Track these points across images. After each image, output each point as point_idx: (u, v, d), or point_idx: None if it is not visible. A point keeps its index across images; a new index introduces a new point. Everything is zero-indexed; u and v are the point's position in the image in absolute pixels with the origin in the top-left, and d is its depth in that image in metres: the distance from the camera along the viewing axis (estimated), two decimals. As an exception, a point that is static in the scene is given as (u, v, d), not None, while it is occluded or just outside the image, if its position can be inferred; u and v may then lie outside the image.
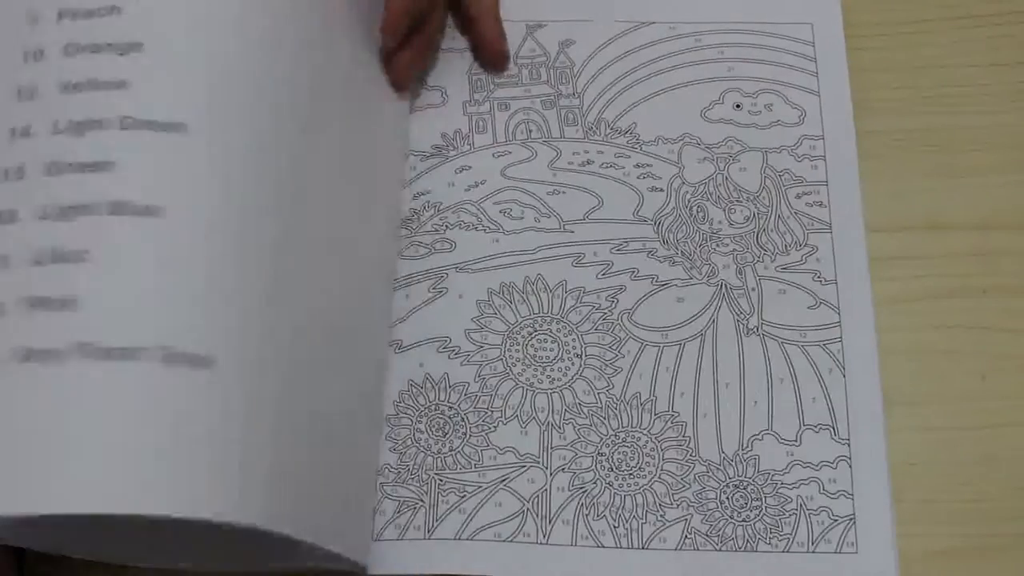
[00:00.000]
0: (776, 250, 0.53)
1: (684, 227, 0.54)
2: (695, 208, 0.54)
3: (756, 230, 0.53)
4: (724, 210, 0.54)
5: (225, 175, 0.44)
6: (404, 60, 0.55)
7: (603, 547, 0.48)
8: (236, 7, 0.46)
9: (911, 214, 0.54)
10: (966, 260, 0.53)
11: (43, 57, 0.45)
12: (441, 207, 0.54)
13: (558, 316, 0.52)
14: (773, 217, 0.54)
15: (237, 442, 0.42)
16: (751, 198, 0.54)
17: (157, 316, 0.41)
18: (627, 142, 0.55)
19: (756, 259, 0.53)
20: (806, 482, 0.49)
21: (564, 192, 0.54)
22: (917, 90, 0.56)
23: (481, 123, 0.56)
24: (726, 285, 0.52)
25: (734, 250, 0.53)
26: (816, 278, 0.52)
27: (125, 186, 0.42)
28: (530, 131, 0.56)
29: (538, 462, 0.50)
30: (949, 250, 0.53)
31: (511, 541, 0.48)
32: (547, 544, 0.48)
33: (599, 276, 0.53)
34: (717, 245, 0.53)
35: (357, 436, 0.48)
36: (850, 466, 0.49)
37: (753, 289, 0.52)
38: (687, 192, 0.54)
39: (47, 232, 0.42)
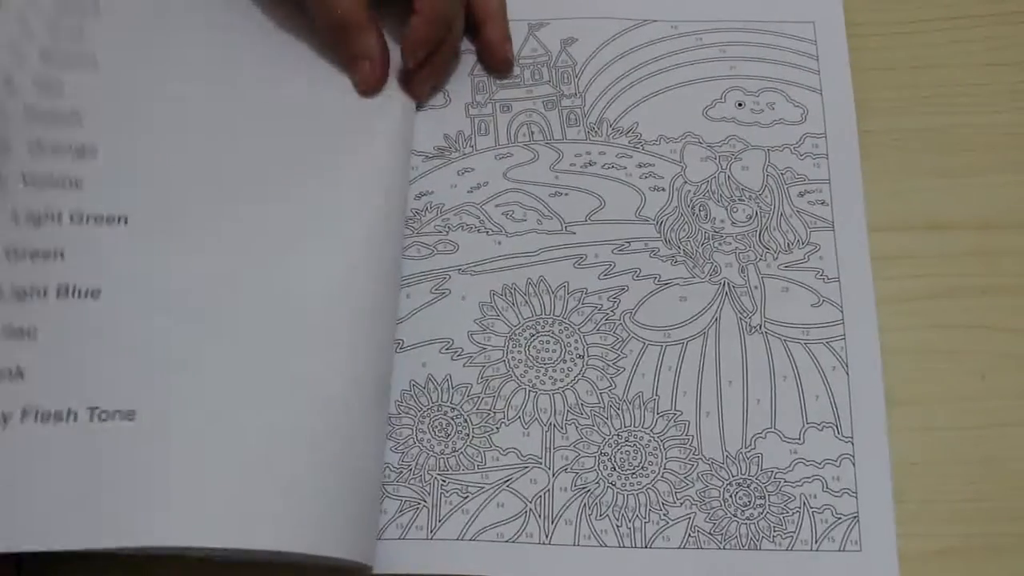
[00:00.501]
0: (779, 248, 0.53)
1: (686, 226, 0.54)
2: (697, 207, 0.54)
3: (758, 228, 0.53)
4: (726, 209, 0.54)
5: (162, 259, 0.50)
6: (423, 78, 0.55)
7: (606, 546, 0.48)
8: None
9: (911, 214, 0.54)
10: (966, 260, 0.53)
11: (9, 150, 0.51)
12: (443, 208, 0.54)
13: (560, 317, 0.52)
14: (775, 215, 0.54)
15: (241, 466, 0.46)
16: (753, 196, 0.54)
17: (84, 382, 0.47)
18: (629, 142, 0.55)
19: (759, 257, 0.53)
20: (809, 480, 0.49)
21: (566, 194, 0.54)
22: (917, 90, 0.56)
23: (483, 125, 0.56)
24: (729, 283, 0.52)
25: (736, 248, 0.53)
26: (819, 276, 0.52)
27: (72, 272, 0.49)
28: (532, 133, 0.56)
29: (540, 463, 0.50)
30: (949, 250, 0.53)
31: (514, 541, 0.48)
32: (550, 544, 0.48)
33: (601, 277, 0.53)
34: (720, 244, 0.53)
35: (364, 437, 0.48)
36: (853, 464, 0.49)
37: (756, 287, 0.52)
38: (689, 191, 0.54)
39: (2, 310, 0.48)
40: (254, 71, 0.55)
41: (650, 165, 0.55)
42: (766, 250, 0.53)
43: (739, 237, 0.53)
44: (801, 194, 0.54)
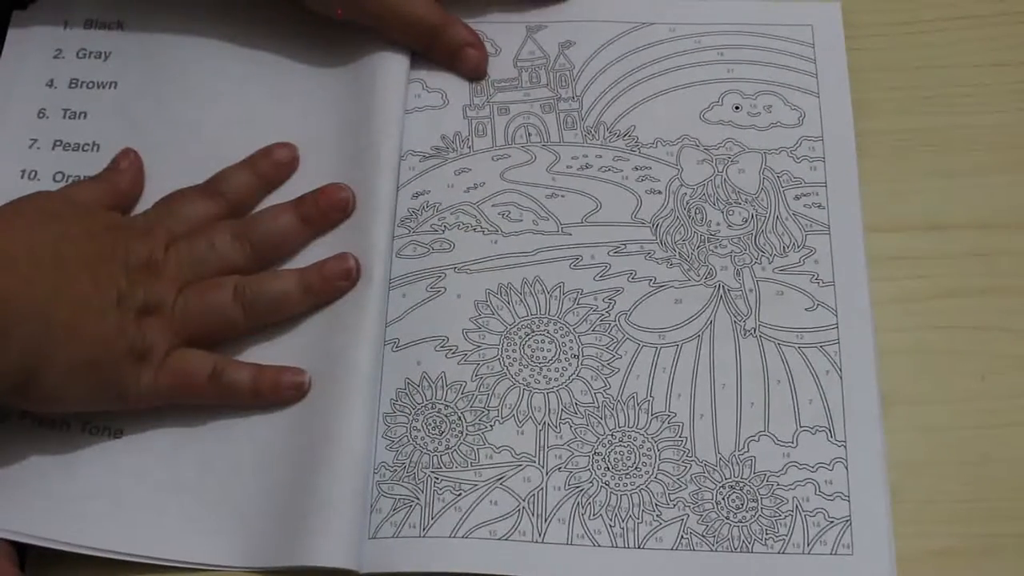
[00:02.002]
0: (774, 252, 0.53)
1: (682, 229, 0.54)
2: (693, 210, 0.54)
3: (754, 232, 0.53)
4: (722, 212, 0.54)
5: None
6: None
7: (599, 546, 0.48)
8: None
9: (911, 214, 0.54)
10: (966, 260, 0.53)
11: (36, 177, 0.55)
12: (440, 208, 0.55)
13: (555, 317, 0.53)
14: (771, 219, 0.54)
15: (221, 483, 0.50)
16: (749, 200, 0.54)
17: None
18: (626, 145, 0.56)
19: (754, 260, 0.53)
20: (802, 483, 0.49)
21: (563, 195, 0.55)
22: (917, 90, 0.56)
23: (481, 127, 0.56)
24: (724, 287, 0.53)
25: (732, 252, 0.53)
26: (814, 280, 0.52)
27: None
28: (529, 135, 0.56)
29: (534, 461, 0.50)
30: (949, 250, 0.53)
31: (506, 539, 0.49)
32: (542, 543, 0.49)
33: (597, 278, 0.53)
34: (715, 247, 0.53)
35: (349, 440, 0.49)
36: (846, 468, 0.49)
37: (751, 291, 0.52)
38: (686, 194, 0.54)
39: None
40: (263, 89, 0.57)
41: (646, 168, 0.55)
42: (761, 253, 0.53)
43: (734, 240, 0.53)
44: (797, 197, 0.54)
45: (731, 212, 0.54)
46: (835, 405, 0.50)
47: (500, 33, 0.58)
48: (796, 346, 0.51)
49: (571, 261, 0.53)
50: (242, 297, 0.51)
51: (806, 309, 0.52)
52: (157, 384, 0.49)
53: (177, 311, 0.50)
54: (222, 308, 0.51)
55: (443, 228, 0.54)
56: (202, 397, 0.50)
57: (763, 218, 0.54)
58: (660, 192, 0.54)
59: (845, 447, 0.49)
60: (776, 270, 0.53)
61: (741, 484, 0.49)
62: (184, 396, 0.50)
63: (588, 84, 0.57)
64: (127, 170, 0.55)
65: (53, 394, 0.47)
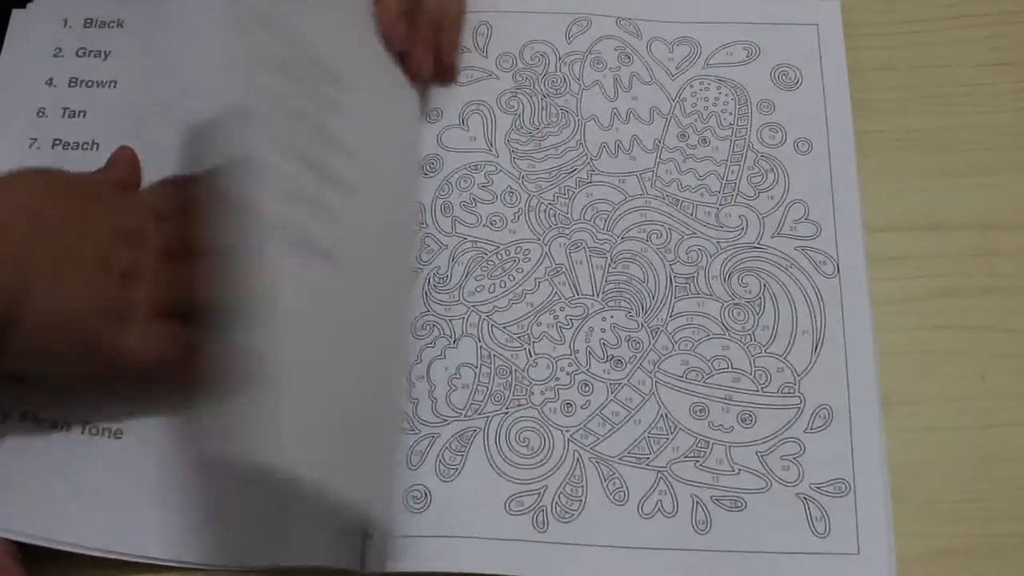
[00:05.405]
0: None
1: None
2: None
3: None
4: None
5: None
6: (420, 52, 0.56)
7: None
8: None
9: (911, 214, 0.54)
10: (966, 260, 0.53)
11: None
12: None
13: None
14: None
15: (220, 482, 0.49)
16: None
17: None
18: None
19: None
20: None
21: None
22: (917, 90, 0.56)
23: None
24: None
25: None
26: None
27: None
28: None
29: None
30: (949, 250, 0.53)
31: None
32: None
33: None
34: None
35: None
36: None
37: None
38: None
39: None
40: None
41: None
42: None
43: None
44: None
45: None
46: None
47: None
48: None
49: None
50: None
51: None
52: (142, 346, 0.48)
53: (162, 280, 0.49)
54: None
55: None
56: (184, 368, 0.49)
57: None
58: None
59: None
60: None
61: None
62: (167, 362, 0.49)
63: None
64: (124, 165, 0.55)
65: (33, 345, 0.46)
